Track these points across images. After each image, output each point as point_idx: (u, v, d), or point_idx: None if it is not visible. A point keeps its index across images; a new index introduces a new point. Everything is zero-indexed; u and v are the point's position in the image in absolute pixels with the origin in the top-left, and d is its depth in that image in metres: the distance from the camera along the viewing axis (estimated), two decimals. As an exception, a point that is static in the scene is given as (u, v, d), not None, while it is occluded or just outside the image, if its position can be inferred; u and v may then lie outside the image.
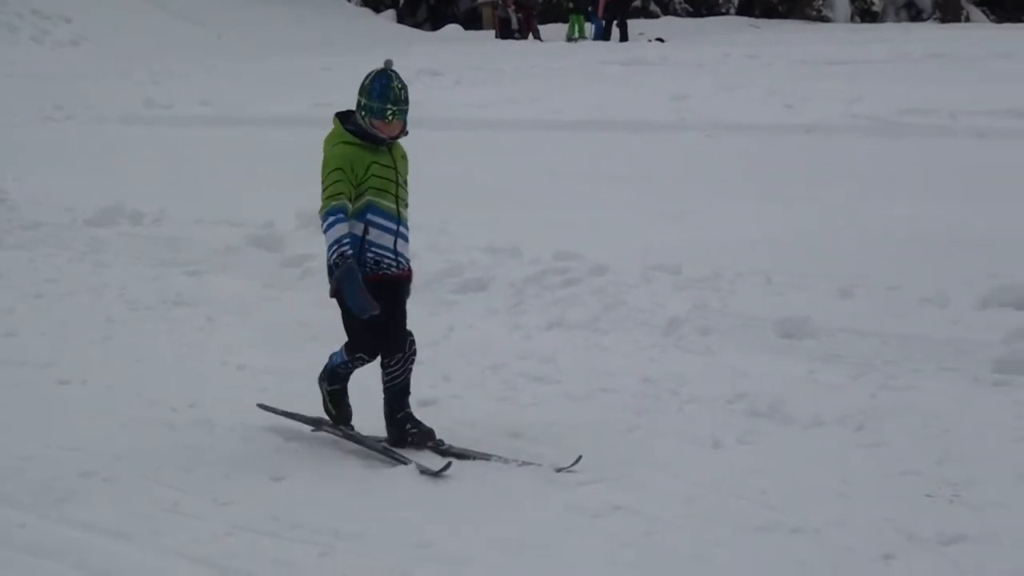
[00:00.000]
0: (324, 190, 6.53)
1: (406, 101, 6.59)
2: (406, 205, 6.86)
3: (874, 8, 43.91)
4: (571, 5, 35.12)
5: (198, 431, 7.38)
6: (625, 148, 17.04)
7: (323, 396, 7.08)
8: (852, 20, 41.84)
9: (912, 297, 9.82)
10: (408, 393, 6.95)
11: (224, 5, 35.18)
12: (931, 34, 31.03)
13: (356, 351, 6.82)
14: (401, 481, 6.42)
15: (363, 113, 6.57)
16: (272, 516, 6.04)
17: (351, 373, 7.04)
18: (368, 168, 6.56)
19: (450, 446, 6.84)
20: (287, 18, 35.52)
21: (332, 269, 6.45)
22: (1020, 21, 39.10)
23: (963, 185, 13.39)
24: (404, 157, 6.86)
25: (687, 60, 24.92)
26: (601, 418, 7.68)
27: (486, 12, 39.41)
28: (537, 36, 34.52)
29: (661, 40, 31.34)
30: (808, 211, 12.65)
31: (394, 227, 6.69)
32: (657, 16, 38.52)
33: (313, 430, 7.24)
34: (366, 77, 6.62)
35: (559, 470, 6.45)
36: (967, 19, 40.71)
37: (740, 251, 11.17)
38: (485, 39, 35.26)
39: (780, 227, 11.94)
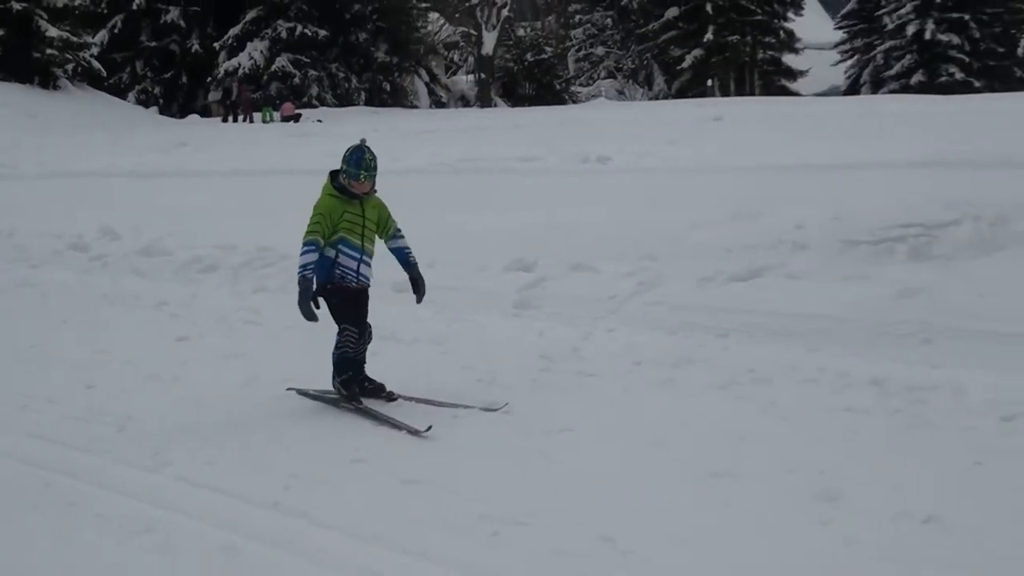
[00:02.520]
0: (308, 226, 8.35)
1: (375, 168, 8.49)
2: (372, 241, 8.66)
3: (443, 100, 53.95)
4: (262, 102, 49.60)
5: None
6: (295, 185, 21.23)
7: (340, 391, 8.67)
8: (430, 107, 53.30)
9: (470, 267, 13.35)
10: (364, 362, 8.81)
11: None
12: (475, 115, 42.57)
13: (340, 325, 8.62)
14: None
15: (344, 176, 8.44)
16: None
17: (354, 355, 8.68)
18: (342, 215, 8.43)
19: (400, 395, 8.74)
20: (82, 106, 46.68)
21: (299, 280, 8.26)
22: (529, 105, 50.09)
23: (496, 201, 17.78)
24: (375, 207, 8.69)
25: (335, 132, 32.57)
26: (294, 347, 10.45)
27: (215, 107, 52.50)
28: (249, 119, 46.94)
29: (320, 121, 43.19)
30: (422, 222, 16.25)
31: (357, 256, 8.53)
32: (316, 107, 48.76)
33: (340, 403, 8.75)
34: (347, 151, 8.46)
35: (486, 410, 8.34)
36: (494, 105, 50.55)
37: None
38: (215, 122, 47.25)
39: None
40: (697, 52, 59.64)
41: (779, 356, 9.22)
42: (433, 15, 60.37)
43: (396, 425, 8.10)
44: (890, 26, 62.60)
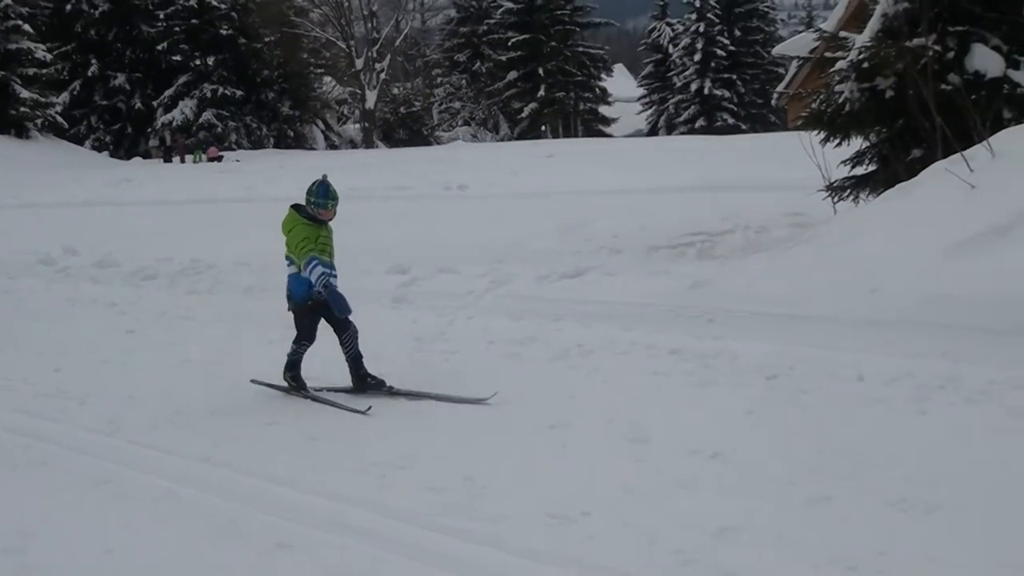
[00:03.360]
0: (301, 250, 7.77)
1: (337, 198, 7.96)
2: (333, 255, 8.06)
3: (336, 144, 53.66)
4: (192, 146, 49.16)
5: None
6: (218, 210, 22.67)
7: (288, 383, 8.16)
8: (326, 149, 52.36)
9: (354, 269, 12.59)
10: (361, 357, 8.12)
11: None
12: (362, 154, 42.96)
13: (302, 340, 8.13)
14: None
15: (312, 206, 7.89)
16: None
17: (302, 359, 8.17)
18: (318, 238, 7.91)
19: (399, 389, 7.98)
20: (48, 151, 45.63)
21: (324, 286, 7.71)
22: (403, 147, 51.77)
23: (378, 221, 16.81)
24: (331, 230, 8.12)
25: (250, 169, 33.27)
26: (220, 336, 10.50)
27: (153, 151, 53.10)
28: (182, 160, 47.04)
29: (239, 160, 42.81)
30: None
31: (332, 272, 7.89)
32: (235, 150, 48.60)
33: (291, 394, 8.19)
34: (312, 184, 7.94)
35: (477, 401, 7.51)
36: (376, 147, 50.72)
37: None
38: (155, 163, 47.27)
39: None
40: (533, 105, 60.09)
41: (601, 334, 9.27)
42: (327, 78, 60.34)
43: (339, 406, 7.74)
44: (678, 84, 63.95)
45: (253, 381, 8.43)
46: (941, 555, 4.65)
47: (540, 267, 12.62)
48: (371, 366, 8.20)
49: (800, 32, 46.91)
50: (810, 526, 5.08)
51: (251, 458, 6.66)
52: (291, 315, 8.23)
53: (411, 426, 7.21)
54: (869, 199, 13.28)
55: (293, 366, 8.19)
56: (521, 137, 57.72)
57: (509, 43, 60.23)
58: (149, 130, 55.36)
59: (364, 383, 8.07)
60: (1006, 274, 8.70)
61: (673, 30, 68.75)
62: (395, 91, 65.78)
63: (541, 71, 60.17)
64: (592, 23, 65.74)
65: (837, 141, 13.68)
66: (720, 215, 16.00)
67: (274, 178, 29.18)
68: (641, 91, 71.28)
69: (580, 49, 62.80)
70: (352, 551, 5.15)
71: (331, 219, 8.04)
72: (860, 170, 13.97)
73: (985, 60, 12.32)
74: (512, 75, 60.64)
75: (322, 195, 7.90)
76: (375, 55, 57.95)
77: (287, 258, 8.04)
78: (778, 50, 34.44)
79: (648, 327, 9.47)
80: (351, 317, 8.04)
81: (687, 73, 63.58)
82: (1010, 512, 5.05)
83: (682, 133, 58.55)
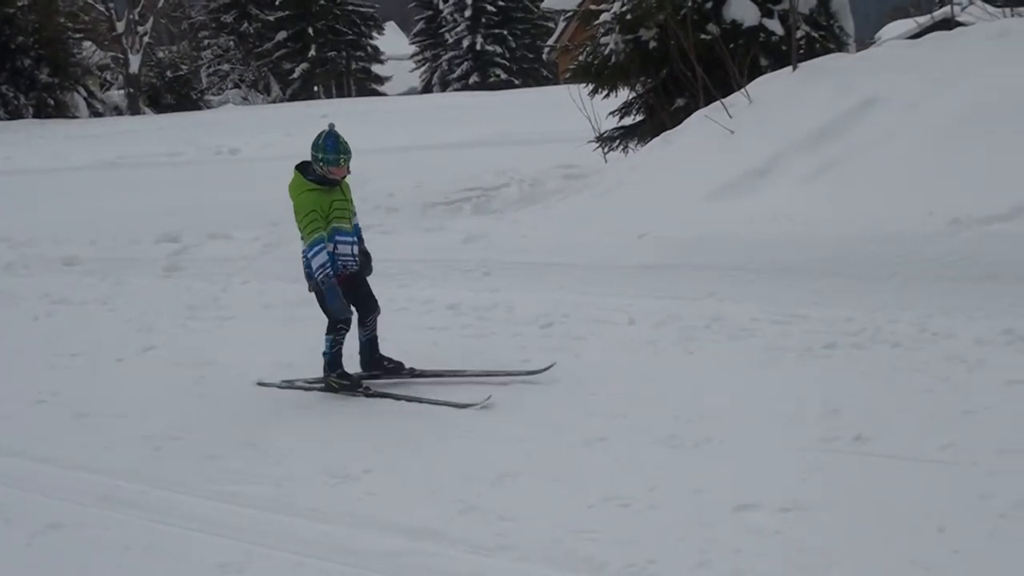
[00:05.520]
0: (305, 227, 6.52)
1: (350, 151, 6.61)
2: (355, 214, 6.87)
3: (100, 111, 50.01)
4: None
5: None
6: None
7: (336, 385, 6.82)
8: (90, 118, 47.60)
9: (124, 241, 12.84)
10: (377, 340, 7.02)
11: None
12: (128, 121, 41.68)
13: (337, 324, 6.76)
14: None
15: (320, 164, 6.53)
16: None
17: (342, 348, 6.85)
18: (331, 205, 6.59)
19: (422, 371, 6.94)
20: None
21: (320, 282, 6.52)
22: (171, 112, 49.02)
23: (147, 188, 16.67)
24: (348, 186, 6.80)
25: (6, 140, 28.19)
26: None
27: None
28: None
29: None
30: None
31: (351, 239, 6.74)
32: None
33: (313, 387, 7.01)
34: (318, 137, 6.58)
35: (531, 373, 6.65)
36: (143, 113, 50.23)
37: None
38: None
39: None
40: (304, 65, 59.06)
41: (379, 293, 9.25)
42: (87, 43, 57.86)
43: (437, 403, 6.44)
44: (450, 40, 63.93)
45: (260, 384, 7.20)
46: (707, 485, 4.87)
47: (316, 228, 12.45)
48: (141, 338, 7.99)
49: (568, -14, 47.70)
50: (585, 467, 5.22)
51: (14, 437, 6.43)
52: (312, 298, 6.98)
53: (183, 392, 7.09)
54: (637, 148, 13.69)
55: (335, 362, 6.88)
56: (294, 98, 56.73)
57: (277, 2, 59.03)
58: None
59: (381, 366, 7.05)
60: (763, 215, 9.14)
61: (443, -14, 68.79)
62: (160, 55, 63.51)
63: (311, 31, 59.20)
64: (362, -20, 65.13)
65: (605, 93, 14.03)
66: (495, 170, 16.19)
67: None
68: (414, 48, 71.04)
69: (350, 7, 62.09)
70: (130, 527, 5.03)
71: (344, 176, 6.72)
72: (628, 120, 14.38)
73: (741, 9, 12.84)
74: (281, 35, 59.42)
75: (331, 149, 6.55)
76: (137, 17, 55.91)
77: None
78: (547, 4, 34.94)
79: (424, 283, 9.52)
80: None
81: (458, 29, 63.64)
82: (767, 441, 5.33)
83: (456, 90, 58.70)
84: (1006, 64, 9.76)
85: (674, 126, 12.19)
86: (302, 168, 6.65)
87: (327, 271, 6.51)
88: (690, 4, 12.55)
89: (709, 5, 12.87)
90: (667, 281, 8.51)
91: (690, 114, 12.16)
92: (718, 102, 11.50)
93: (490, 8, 63.45)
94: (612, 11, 13.39)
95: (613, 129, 14.30)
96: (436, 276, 9.79)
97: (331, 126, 6.71)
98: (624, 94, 14.22)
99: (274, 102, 57.19)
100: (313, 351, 6.92)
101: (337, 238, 6.65)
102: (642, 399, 6.09)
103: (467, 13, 63.42)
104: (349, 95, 57.49)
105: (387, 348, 7.05)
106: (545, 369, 6.57)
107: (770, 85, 11.63)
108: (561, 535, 4.53)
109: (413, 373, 6.92)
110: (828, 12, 13.40)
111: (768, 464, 5.04)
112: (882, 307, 7.21)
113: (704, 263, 8.75)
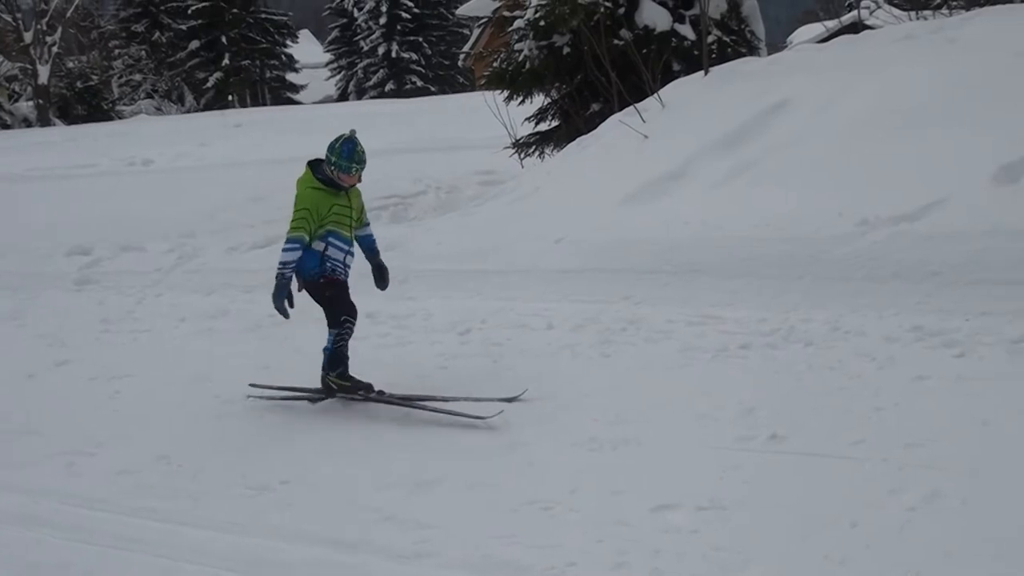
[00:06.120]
0: (292, 221, 6.39)
1: (365, 161, 6.48)
2: (360, 224, 6.76)
3: (8, 123, 49.29)
4: None
5: None
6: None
7: (335, 385, 6.60)
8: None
9: (36, 255, 12.61)
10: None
11: None
12: (38, 133, 39.70)
13: (340, 317, 6.60)
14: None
15: (332, 167, 6.42)
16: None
17: (347, 344, 6.63)
18: (331, 208, 6.44)
19: (390, 396, 6.51)
20: None
21: (276, 276, 6.38)
22: (82, 123, 46.93)
23: (59, 201, 16.37)
24: (358, 195, 6.69)
25: None
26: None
27: None
28: None
29: None
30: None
31: (345, 247, 6.57)
32: None
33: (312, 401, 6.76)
34: (336, 140, 6.45)
35: (507, 400, 6.25)
36: (53, 125, 47.95)
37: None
38: None
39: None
40: (218, 74, 58.43)
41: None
42: (-8, 53, 56.69)
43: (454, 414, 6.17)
44: (366, 48, 63.71)
45: (252, 385, 6.98)
46: (626, 487, 4.90)
47: (230, 239, 12.37)
48: (54, 353, 7.83)
49: (483, -7, 47.80)
50: (506, 473, 5.23)
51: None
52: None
53: (96, 407, 6.98)
54: (553, 153, 13.75)
55: (338, 361, 6.63)
56: (207, 108, 56.09)
57: (189, 11, 58.35)
58: None
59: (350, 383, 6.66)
60: (678, 217, 9.23)
61: (357, -7, 68.52)
62: (70, 65, 62.46)
63: (224, 39, 58.60)
64: (274, -12, 64.69)
65: (520, 99, 14.08)
66: (412, 177, 16.14)
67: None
68: (329, 56, 70.66)
69: (263, 16, 61.58)
70: (44, 545, 4.94)
71: (353, 184, 6.57)
72: (544, 126, 14.44)
73: (654, 14, 12.97)
74: (194, 44, 58.75)
75: (346, 156, 6.40)
76: (45, 27, 54.92)
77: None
78: (462, 11, 35.03)
79: (342, 292, 9.45)
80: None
81: (374, 37, 63.40)
82: (684, 441, 5.38)
83: (372, 97, 58.53)
84: (912, 65, 9.97)
85: (589, 131, 12.27)
86: (313, 164, 6.56)
87: (286, 270, 6.36)
88: (603, 10, 12.65)
89: (622, 11, 12.98)
90: (584, 285, 8.55)
91: (605, 119, 12.26)
92: (632, 107, 11.60)
93: (405, 15, 63.33)
94: (526, 17, 13.44)
95: (529, 135, 14.36)
96: (353, 285, 9.69)
97: (352, 132, 6.57)
98: (539, 100, 14.29)
99: (188, 112, 56.49)
100: (230, 364, 6.85)
101: (331, 240, 6.52)
102: (561, 402, 6.11)
103: (382, 20, 63.23)
104: (264, 104, 56.99)
105: (299, 357, 7.00)
106: (518, 396, 6.32)
107: (683, 89, 11.77)
108: (481, 541, 4.53)
109: (381, 396, 6.54)
110: (739, 17, 13.60)
111: (686, 464, 5.09)
112: (795, 307, 7.31)
113: (620, 266, 8.80)
